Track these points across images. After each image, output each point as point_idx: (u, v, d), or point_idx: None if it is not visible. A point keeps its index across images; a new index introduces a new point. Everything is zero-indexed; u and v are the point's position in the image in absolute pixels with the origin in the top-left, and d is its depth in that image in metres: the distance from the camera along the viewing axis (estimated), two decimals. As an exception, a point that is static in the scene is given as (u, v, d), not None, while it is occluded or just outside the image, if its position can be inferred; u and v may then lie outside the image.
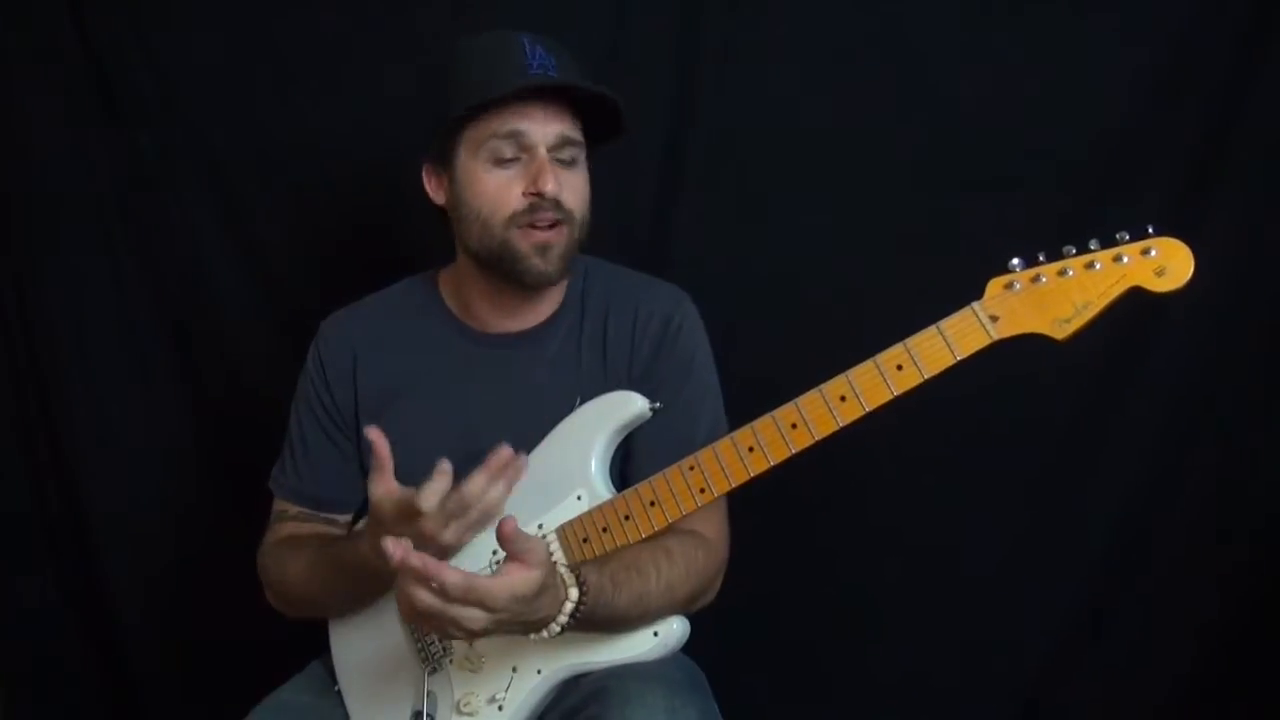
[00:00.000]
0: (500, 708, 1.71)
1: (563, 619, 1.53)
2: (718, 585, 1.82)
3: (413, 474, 1.80)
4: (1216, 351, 2.29)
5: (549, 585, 1.49)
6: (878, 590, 2.42)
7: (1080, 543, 2.38)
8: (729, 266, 2.38)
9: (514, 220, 1.75)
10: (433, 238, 2.02)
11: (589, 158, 1.85)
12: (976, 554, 2.39)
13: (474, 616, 1.43)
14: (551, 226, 1.75)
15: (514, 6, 2.26)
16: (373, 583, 1.72)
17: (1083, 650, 2.39)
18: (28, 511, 2.60)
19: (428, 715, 1.72)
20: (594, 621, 1.59)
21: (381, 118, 2.43)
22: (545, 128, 1.73)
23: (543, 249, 1.75)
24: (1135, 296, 1.53)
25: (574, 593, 1.54)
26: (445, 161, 1.81)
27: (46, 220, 2.51)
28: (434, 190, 1.86)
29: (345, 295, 1.99)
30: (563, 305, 1.89)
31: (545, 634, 1.54)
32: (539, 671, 1.70)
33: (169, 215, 2.51)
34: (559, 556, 1.71)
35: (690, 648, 1.76)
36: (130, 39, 2.45)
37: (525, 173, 1.74)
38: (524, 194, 1.73)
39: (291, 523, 1.91)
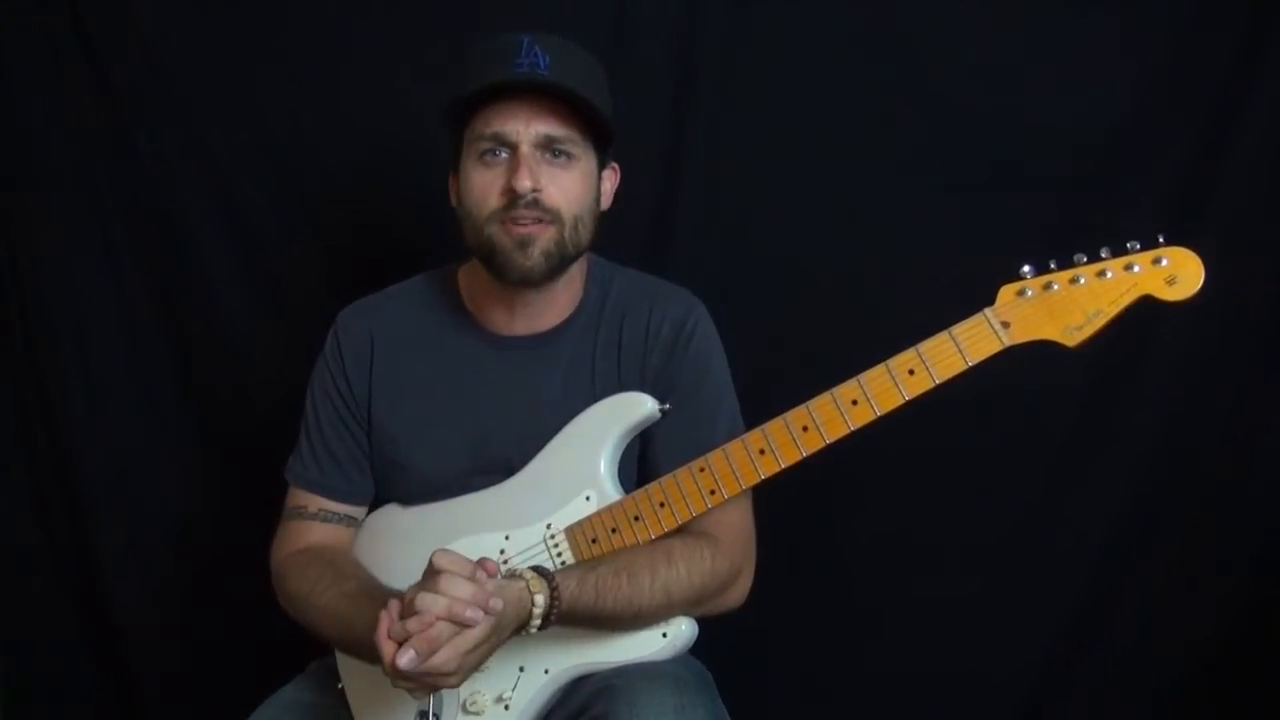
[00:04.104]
0: (507, 707, 1.71)
1: (535, 623, 1.57)
2: (742, 587, 1.81)
3: (424, 471, 1.84)
4: (1216, 352, 2.31)
5: (506, 602, 1.53)
6: (881, 591, 2.43)
7: (1081, 544, 2.39)
8: (731, 267, 2.39)
9: (494, 217, 1.74)
10: (433, 237, 2.02)
11: (608, 155, 1.86)
12: (979, 555, 2.40)
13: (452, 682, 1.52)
14: (535, 223, 1.74)
15: (515, 6, 2.27)
16: None
17: (1083, 651, 2.40)
18: (28, 512, 2.59)
19: (434, 715, 1.71)
20: (576, 621, 1.63)
21: (382, 117, 2.44)
22: (527, 126, 1.72)
23: (523, 243, 1.73)
24: (1142, 303, 1.55)
25: (540, 599, 1.57)
26: (455, 163, 1.82)
27: (46, 220, 2.50)
28: (452, 192, 1.85)
29: (346, 295, 1.98)
30: (579, 310, 1.88)
31: (527, 632, 1.59)
32: (546, 671, 1.71)
33: (169, 215, 2.49)
34: (566, 556, 1.73)
35: (696, 649, 1.77)
36: (130, 39, 2.44)
37: (506, 170, 1.74)
38: (501, 191, 1.73)
39: (310, 523, 1.89)
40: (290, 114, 2.48)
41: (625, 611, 1.66)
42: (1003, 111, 2.32)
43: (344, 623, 1.72)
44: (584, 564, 1.70)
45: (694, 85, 2.38)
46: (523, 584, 1.57)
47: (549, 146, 1.74)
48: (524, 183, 1.71)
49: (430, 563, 1.53)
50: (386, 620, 1.51)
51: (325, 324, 1.95)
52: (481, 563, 1.56)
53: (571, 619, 1.62)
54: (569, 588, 1.60)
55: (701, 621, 1.75)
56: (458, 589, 1.49)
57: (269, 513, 1.95)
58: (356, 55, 2.45)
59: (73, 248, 2.50)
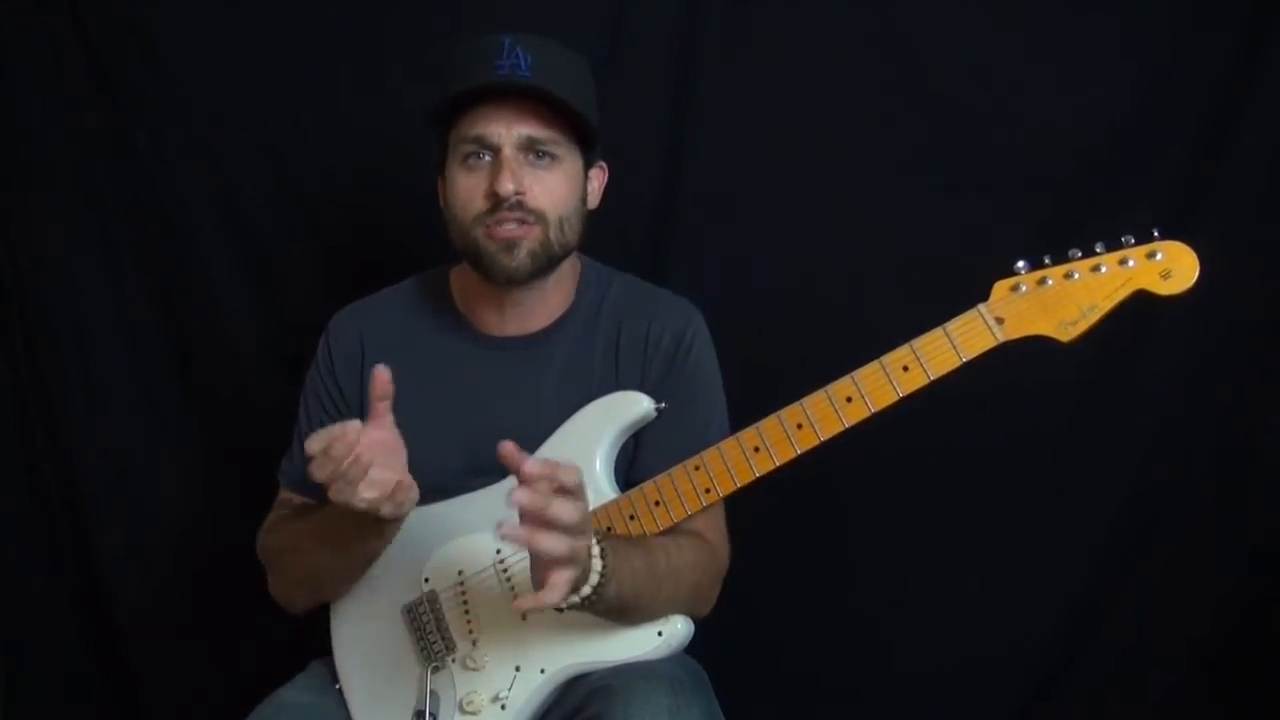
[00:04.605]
0: (503, 707, 1.71)
1: (596, 564, 1.52)
2: (715, 595, 1.81)
3: (418, 473, 1.79)
4: (1215, 352, 2.30)
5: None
6: (879, 591, 2.42)
7: (1079, 544, 2.39)
8: (730, 266, 2.38)
9: (479, 220, 1.75)
10: (432, 237, 2.02)
11: (595, 154, 1.85)
12: (978, 555, 2.40)
13: (566, 508, 1.41)
14: (520, 225, 1.74)
15: (516, 7, 2.28)
16: (355, 529, 1.69)
17: (1083, 651, 2.40)
18: (28, 512, 2.59)
19: (430, 714, 1.71)
20: (619, 581, 1.56)
21: (382, 118, 2.44)
22: (510, 129, 1.72)
23: (508, 245, 1.74)
24: (1137, 298, 1.55)
25: (596, 549, 1.54)
26: (441, 166, 1.82)
27: (46, 220, 2.50)
28: (439, 195, 1.86)
29: (345, 295, 1.99)
30: (571, 310, 1.88)
31: (586, 588, 1.51)
32: (542, 670, 1.71)
33: (169, 215, 2.50)
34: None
35: (692, 648, 1.76)
36: (130, 39, 2.45)
37: (490, 173, 1.74)
38: (484, 195, 1.73)
39: (293, 511, 1.91)
40: (290, 114, 2.48)
41: (645, 586, 1.63)
42: (1003, 112, 2.32)
43: (327, 528, 1.73)
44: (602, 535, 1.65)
45: (694, 85, 2.38)
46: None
47: (532, 148, 1.74)
48: (506, 186, 1.71)
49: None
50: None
51: (326, 324, 1.95)
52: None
53: (616, 575, 1.55)
54: (608, 542, 1.56)
55: (697, 621, 1.75)
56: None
57: (268, 512, 1.95)
58: (356, 56, 2.45)
59: (73, 248, 2.51)
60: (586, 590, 1.52)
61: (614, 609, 1.62)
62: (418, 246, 2.19)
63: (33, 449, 2.58)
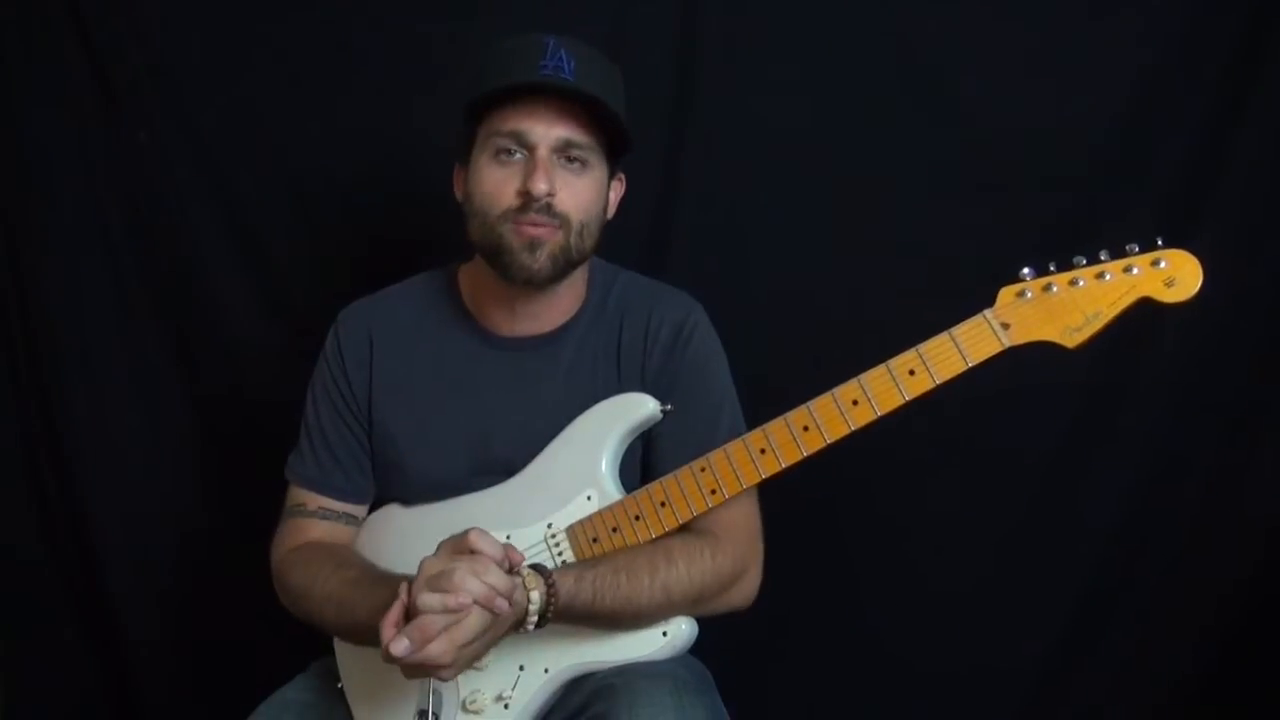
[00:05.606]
0: (506, 706, 1.71)
1: (532, 620, 1.58)
2: (749, 586, 1.81)
3: (424, 471, 1.84)
4: (1215, 354, 2.30)
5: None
6: (882, 591, 2.43)
7: (1079, 544, 2.39)
8: (731, 267, 2.38)
9: (505, 216, 1.74)
10: (433, 237, 2.02)
11: (618, 166, 1.86)
12: (980, 555, 2.40)
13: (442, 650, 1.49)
14: (544, 227, 1.74)
15: (517, 6, 2.28)
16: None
17: (1081, 652, 2.41)
18: (28, 513, 2.59)
19: (433, 714, 1.71)
20: (574, 619, 1.64)
21: (383, 117, 2.44)
22: (549, 129, 1.72)
23: (531, 245, 1.73)
24: (1141, 305, 1.56)
25: (536, 596, 1.57)
26: (466, 156, 1.81)
27: (46, 220, 2.50)
28: (457, 185, 1.85)
29: (346, 295, 1.98)
30: (580, 312, 1.88)
31: (524, 630, 1.59)
32: (546, 670, 1.71)
33: (169, 215, 2.50)
34: (568, 555, 1.73)
35: (697, 648, 1.77)
36: (130, 39, 2.44)
37: (523, 171, 1.73)
38: (517, 192, 1.73)
39: (311, 520, 1.88)
40: (291, 114, 2.47)
41: (624, 610, 1.66)
42: (1003, 112, 2.32)
43: (346, 608, 1.72)
44: (582, 562, 1.70)
45: (693, 86, 2.38)
46: (519, 581, 1.57)
47: (566, 151, 1.74)
48: (540, 186, 1.70)
49: (467, 539, 1.54)
50: (398, 606, 1.51)
51: (325, 324, 1.95)
52: (508, 551, 1.58)
53: (569, 616, 1.63)
54: (566, 585, 1.61)
55: (702, 621, 1.75)
56: (495, 577, 1.51)
57: (269, 513, 1.94)
58: (357, 54, 2.45)
59: (73, 248, 2.50)
60: (525, 630, 1.59)
61: (587, 624, 1.67)
62: (418, 247, 2.19)
63: (33, 448, 2.57)
